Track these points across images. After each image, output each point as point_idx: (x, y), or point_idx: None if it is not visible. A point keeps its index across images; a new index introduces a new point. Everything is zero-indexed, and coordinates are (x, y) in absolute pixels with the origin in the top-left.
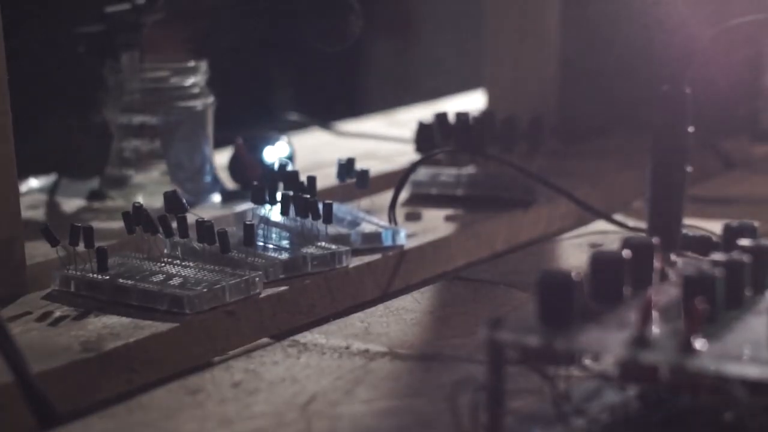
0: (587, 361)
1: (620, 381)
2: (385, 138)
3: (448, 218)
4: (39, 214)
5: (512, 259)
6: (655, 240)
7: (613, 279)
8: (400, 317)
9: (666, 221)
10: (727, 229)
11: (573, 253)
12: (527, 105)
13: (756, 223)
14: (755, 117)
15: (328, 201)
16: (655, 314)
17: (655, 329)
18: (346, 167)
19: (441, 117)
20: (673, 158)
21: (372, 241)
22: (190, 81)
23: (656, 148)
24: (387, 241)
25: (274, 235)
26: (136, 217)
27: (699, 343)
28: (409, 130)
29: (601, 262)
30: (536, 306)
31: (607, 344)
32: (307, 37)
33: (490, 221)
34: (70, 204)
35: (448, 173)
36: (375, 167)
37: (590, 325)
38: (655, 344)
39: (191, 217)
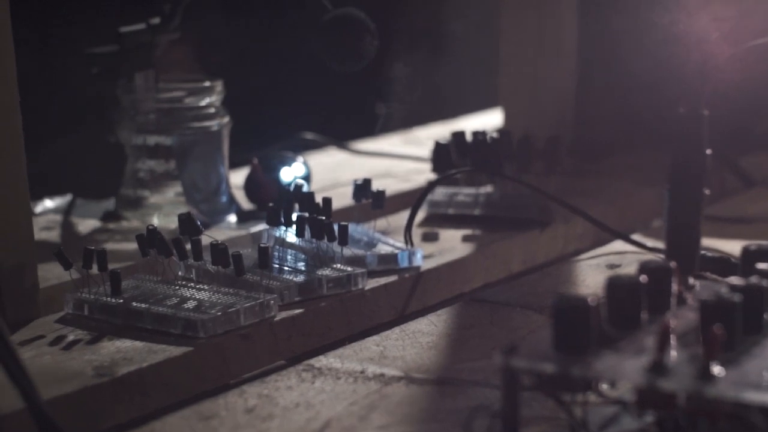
0: (604, 387)
1: (637, 408)
2: (401, 157)
3: (465, 239)
4: (53, 235)
5: (529, 281)
6: (672, 264)
7: (630, 304)
8: (416, 340)
9: (684, 244)
10: (746, 252)
11: (590, 274)
12: (544, 123)
13: None
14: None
15: (343, 222)
16: (672, 340)
17: (673, 355)
18: (362, 188)
19: (458, 136)
20: (690, 181)
21: (388, 263)
22: (205, 101)
23: (673, 171)
24: (403, 263)
25: (289, 257)
26: (150, 239)
27: (717, 370)
28: (425, 149)
29: (618, 287)
30: (552, 332)
31: (623, 371)
32: (323, 57)
33: (506, 241)
34: (85, 225)
35: (465, 193)
36: (392, 186)
37: (606, 351)
38: (673, 371)
39: (206, 239)
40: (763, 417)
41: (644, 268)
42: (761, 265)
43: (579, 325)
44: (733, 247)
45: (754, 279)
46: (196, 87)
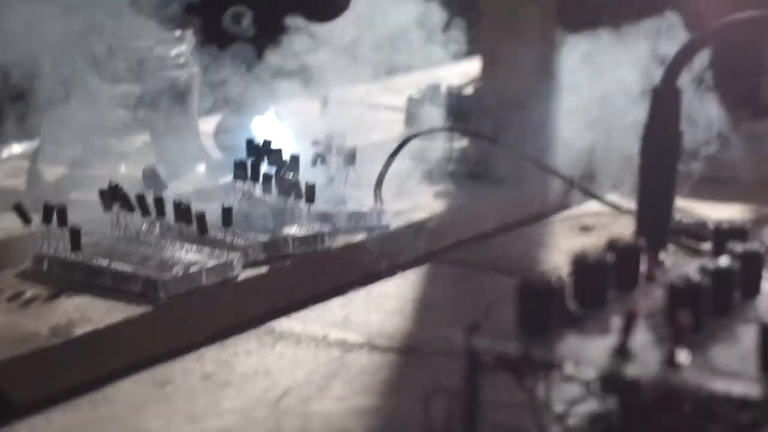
0: (569, 367)
1: (601, 391)
2: (378, 106)
3: (437, 195)
4: (19, 182)
5: (500, 242)
6: (641, 243)
7: (597, 283)
8: (381, 304)
9: (655, 220)
10: (718, 230)
11: (563, 236)
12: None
13: (748, 224)
14: (756, 93)
15: (311, 181)
16: (639, 322)
17: (640, 336)
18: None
19: (432, 89)
20: (663, 157)
21: (357, 220)
22: (174, 51)
23: (646, 146)
24: (372, 221)
25: (255, 213)
26: (113, 194)
27: (683, 357)
28: (404, 98)
29: (584, 265)
30: (516, 312)
31: (587, 354)
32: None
33: (480, 199)
34: (52, 172)
35: (439, 148)
36: (367, 138)
37: (571, 332)
38: (638, 356)
39: (172, 194)
40: (729, 404)
41: (612, 245)
42: (732, 245)
43: (542, 305)
44: (712, 210)
45: (723, 260)
46: (166, 36)
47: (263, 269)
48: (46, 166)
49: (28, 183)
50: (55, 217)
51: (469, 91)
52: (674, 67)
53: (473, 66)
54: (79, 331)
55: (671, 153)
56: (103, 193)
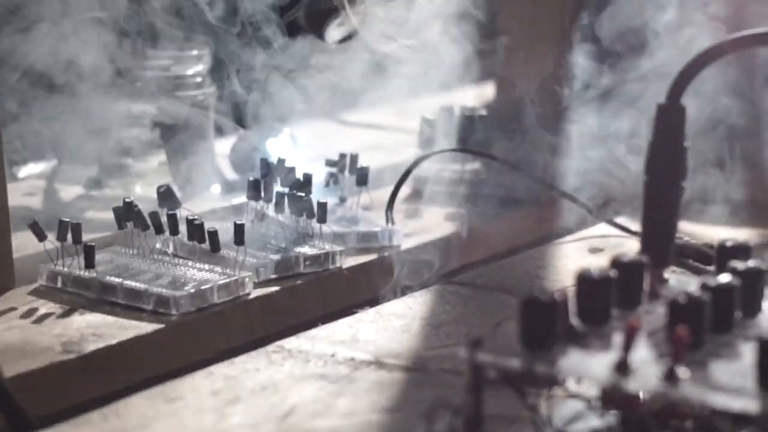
0: (570, 382)
1: (602, 406)
2: (392, 129)
3: (448, 217)
4: (35, 201)
5: (510, 263)
6: (644, 259)
7: (600, 299)
8: (390, 323)
9: (660, 238)
10: (721, 248)
11: (572, 258)
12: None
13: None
14: None
15: (323, 200)
16: (640, 338)
17: (641, 352)
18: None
19: (445, 112)
20: (668, 174)
21: (368, 241)
22: (192, 70)
23: (651, 163)
24: (383, 241)
25: (268, 233)
26: (127, 212)
27: (682, 372)
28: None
29: (587, 281)
30: (519, 328)
31: (588, 369)
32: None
33: (491, 221)
34: (68, 191)
35: (451, 170)
36: (381, 160)
37: (573, 347)
38: (638, 371)
39: (185, 212)
40: (728, 420)
41: (616, 262)
42: (734, 263)
43: (545, 321)
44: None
45: (724, 277)
46: (183, 55)
47: (274, 288)
48: (62, 186)
49: (45, 202)
50: (69, 234)
51: (482, 112)
52: (679, 83)
53: (487, 90)
54: (92, 347)
55: (676, 170)
56: (117, 211)
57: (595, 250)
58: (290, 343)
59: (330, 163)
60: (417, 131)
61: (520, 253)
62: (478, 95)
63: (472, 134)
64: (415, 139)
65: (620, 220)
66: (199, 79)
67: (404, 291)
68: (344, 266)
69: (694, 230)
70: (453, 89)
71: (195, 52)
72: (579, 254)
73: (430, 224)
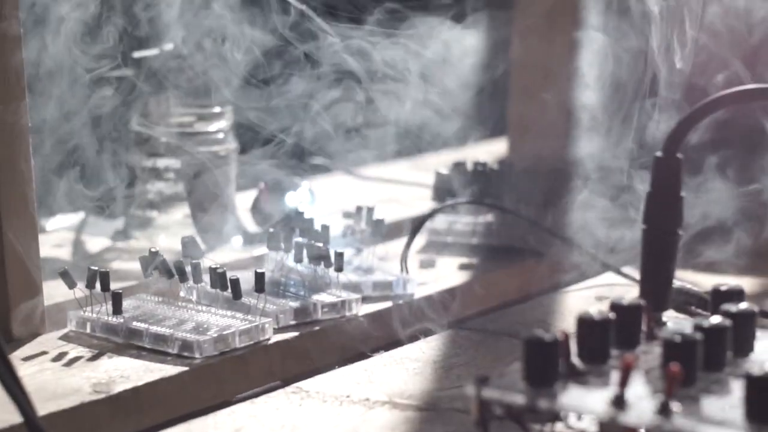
0: (571, 418)
1: None
2: (407, 183)
3: (461, 267)
4: (64, 252)
5: (519, 310)
6: (642, 302)
7: (599, 340)
8: (404, 366)
9: (657, 283)
10: (715, 292)
11: (579, 305)
12: (549, 155)
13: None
14: None
15: (340, 249)
16: (638, 375)
17: (637, 389)
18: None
19: (459, 166)
20: (665, 222)
21: (383, 289)
22: (214, 126)
23: (649, 211)
24: (398, 289)
25: (288, 281)
26: (152, 261)
27: (675, 406)
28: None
29: (587, 323)
30: (522, 365)
31: (586, 404)
32: None
33: (502, 271)
34: (95, 243)
35: (464, 222)
36: (396, 213)
37: (574, 385)
38: (634, 405)
39: (208, 262)
40: None
41: (615, 305)
42: (725, 306)
43: (547, 359)
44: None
45: (716, 319)
46: (206, 113)
47: (293, 333)
48: (89, 238)
49: (73, 253)
50: (98, 282)
51: (494, 166)
52: (676, 135)
53: (499, 145)
54: (120, 387)
55: (673, 218)
56: (143, 260)
57: (601, 298)
58: (308, 384)
59: (347, 215)
60: (431, 185)
61: (529, 301)
62: (490, 151)
63: (484, 188)
64: (430, 192)
65: (626, 269)
66: (221, 135)
67: (417, 336)
68: (360, 313)
69: (698, 279)
70: (466, 145)
71: (217, 109)
72: (585, 301)
73: (443, 274)
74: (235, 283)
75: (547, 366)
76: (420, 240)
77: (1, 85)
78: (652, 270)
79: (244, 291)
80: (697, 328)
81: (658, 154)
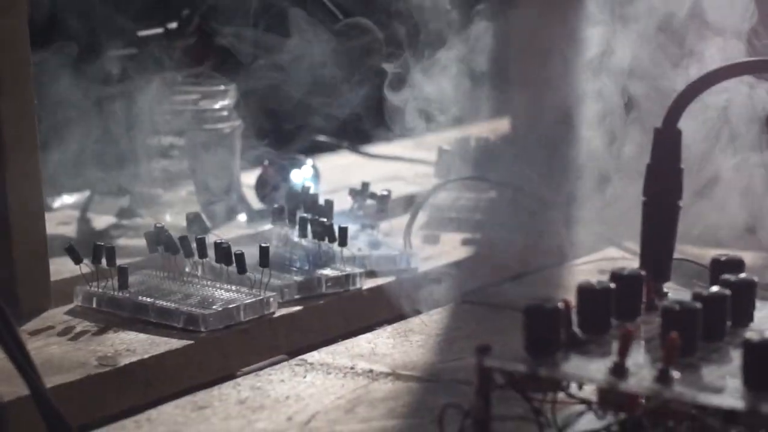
0: (572, 387)
1: (601, 408)
2: (411, 160)
3: (465, 242)
4: (69, 230)
5: (523, 284)
6: (642, 272)
7: (600, 310)
8: (407, 339)
9: (658, 254)
10: (715, 262)
11: (582, 278)
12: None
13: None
14: None
15: (344, 225)
16: (639, 345)
17: (638, 358)
18: (361, 193)
19: (462, 142)
20: (665, 194)
21: (387, 264)
22: (218, 104)
23: (649, 183)
24: (401, 264)
25: (292, 256)
26: (158, 236)
27: (674, 374)
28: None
29: (588, 293)
30: (523, 335)
31: (587, 373)
32: None
33: (505, 246)
34: (101, 221)
35: (467, 197)
36: (400, 189)
37: (575, 354)
38: (634, 373)
39: (213, 238)
40: (719, 418)
41: (615, 275)
42: (725, 276)
43: (548, 328)
44: None
45: (715, 288)
46: (210, 90)
47: (298, 307)
48: (95, 215)
49: (79, 230)
50: (104, 257)
51: (497, 142)
52: (676, 108)
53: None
54: (126, 360)
55: (673, 189)
56: (148, 236)
57: (603, 272)
58: (312, 356)
59: (352, 191)
60: (434, 162)
61: (532, 275)
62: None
63: (487, 163)
64: (432, 169)
65: (629, 244)
66: (225, 113)
67: (420, 310)
68: (364, 287)
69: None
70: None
71: (221, 87)
72: (588, 275)
73: (446, 249)
74: (240, 257)
75: (547, 335)
76: (423, 216)
77: (8, 73)
78: (653, 241)
79: (249, 266)
80: (697, 297)
81: (658, 126)
